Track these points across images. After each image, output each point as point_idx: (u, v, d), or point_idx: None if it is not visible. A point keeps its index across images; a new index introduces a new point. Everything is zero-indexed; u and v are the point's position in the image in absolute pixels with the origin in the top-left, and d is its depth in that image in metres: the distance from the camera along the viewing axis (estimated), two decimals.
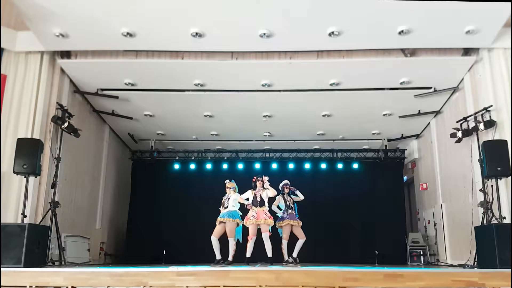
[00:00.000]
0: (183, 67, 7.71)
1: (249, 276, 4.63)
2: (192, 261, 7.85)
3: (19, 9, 6.38)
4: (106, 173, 10.19)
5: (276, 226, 7.49)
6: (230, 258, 7.01)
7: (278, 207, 7.63)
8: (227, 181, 7.53)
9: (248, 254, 7.03)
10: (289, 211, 7.51)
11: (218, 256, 7.06)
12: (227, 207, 7.22)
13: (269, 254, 7.05)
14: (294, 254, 7.46)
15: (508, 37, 6.85)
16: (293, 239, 7.51)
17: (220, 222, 7.14)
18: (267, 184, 7.36)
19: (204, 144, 11.34)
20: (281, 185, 7.74)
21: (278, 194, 7.59)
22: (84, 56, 7.55)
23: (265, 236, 7.05)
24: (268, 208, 7.34)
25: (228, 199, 7.30)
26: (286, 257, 7.38)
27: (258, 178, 7.38)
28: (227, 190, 7.43)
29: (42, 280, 4.67)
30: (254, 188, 7.38)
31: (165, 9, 6.28)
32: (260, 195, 7.29)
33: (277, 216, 7.60)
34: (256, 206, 7.23)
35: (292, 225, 7.44)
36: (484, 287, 4.53)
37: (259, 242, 7.14)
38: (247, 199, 7.36)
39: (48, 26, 6.63)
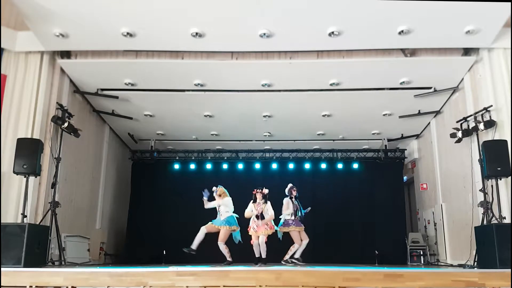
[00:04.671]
0: (183, 67, 7.71)
1: (249, 276, 4.63)
2: (192, 261, 7.85)
3: (19, 9, 6.38)
4: (106, 173, 10.20)
5: (282, 230, 7.41)
6: (229, 259, 6.99)
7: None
8: (215, 188, 7.28)
9: (257, 255, 7.06)
10: (297, 216, 7.44)
11: (194, 246, 6.98)
12: (222, 215, 7.08)
13: (263, 255, 7.02)
14: (297, 255, 7.44)
15: (508, 37, 6.86)
16: (292, 240, 7.48)
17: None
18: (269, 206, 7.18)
19: (204, 144, 11.34)
20: (287, 189, 7.62)
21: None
22: (84, 56, 7.56)
23: (261, 240, 7.00)
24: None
25: (219, 206, 7.13)
26: (287, 256, 7.35)
27: (258, 191, 7.19)
28: (217, 197, 7.18)
29: (42, 280, 4.67)
30: (254, 200, 7.22)
31: (165, 9, 6.29)
32: (261, 210, 7.11)
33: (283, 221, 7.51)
34: (258, 219, 7.11)
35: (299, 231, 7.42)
36: (484, 287, 4.52)
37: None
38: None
39: (48, 26, 6.63)
